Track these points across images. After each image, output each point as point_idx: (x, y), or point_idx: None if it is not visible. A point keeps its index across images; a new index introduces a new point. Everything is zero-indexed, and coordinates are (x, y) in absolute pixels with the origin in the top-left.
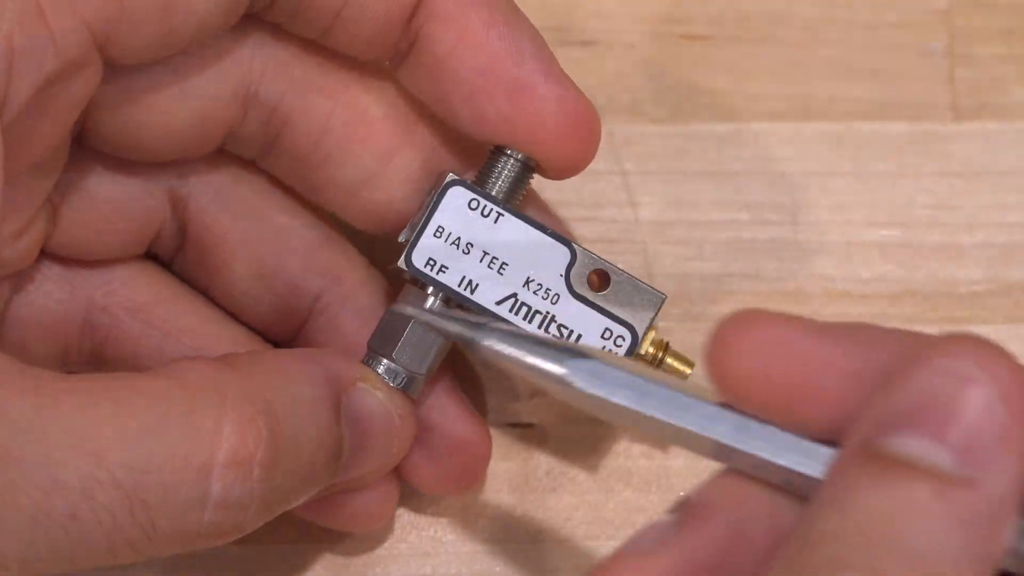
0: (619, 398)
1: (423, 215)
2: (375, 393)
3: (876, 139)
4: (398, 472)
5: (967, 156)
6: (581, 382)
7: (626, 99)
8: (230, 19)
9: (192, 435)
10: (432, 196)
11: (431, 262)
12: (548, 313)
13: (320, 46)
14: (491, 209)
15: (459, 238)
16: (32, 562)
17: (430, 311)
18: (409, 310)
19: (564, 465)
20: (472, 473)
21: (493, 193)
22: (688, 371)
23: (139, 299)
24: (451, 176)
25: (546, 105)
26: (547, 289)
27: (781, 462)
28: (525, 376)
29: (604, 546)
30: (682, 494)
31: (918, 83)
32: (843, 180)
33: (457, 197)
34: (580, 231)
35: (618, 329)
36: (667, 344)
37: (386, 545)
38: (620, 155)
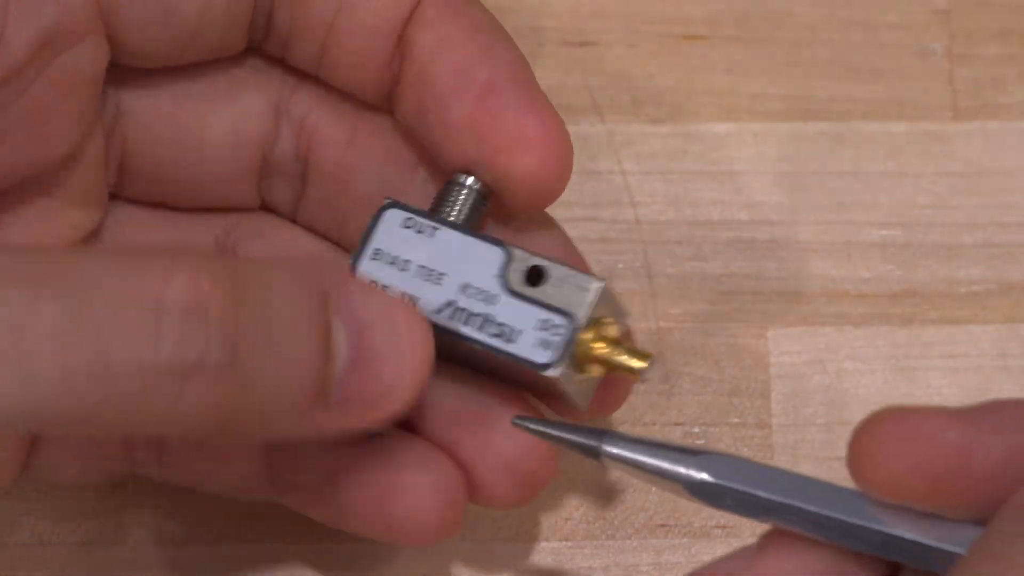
0: (766, 492)
1: (362, 240)
2: (371, 299)
3: (876, 139)
4: (464, 480)
5: (967, 156)
6: (714, 473)
7: (626, 99)
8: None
9: (141, 270)
10: (370, 222)
11: (373, 284)
12: (485, 314)
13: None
14: (425, 225)
15: (396, 257)
16: None
17: (552, 423)
18: (531, 425)
19: (564, 465)
20: (543, 478)
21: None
22: (638, 365)
23: None
24: (387, 200)
25: (512, 108)
26: (483, 291)
27: (929, 543)
28: (649, 480)
29: (604, 545)
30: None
31: (918, 83)
32: (843, 180)
33: (393, 219)
34: (580, 231)
35: (555, 319)
36: (620, 337)
37: (386, 545)
38: (620, 155)
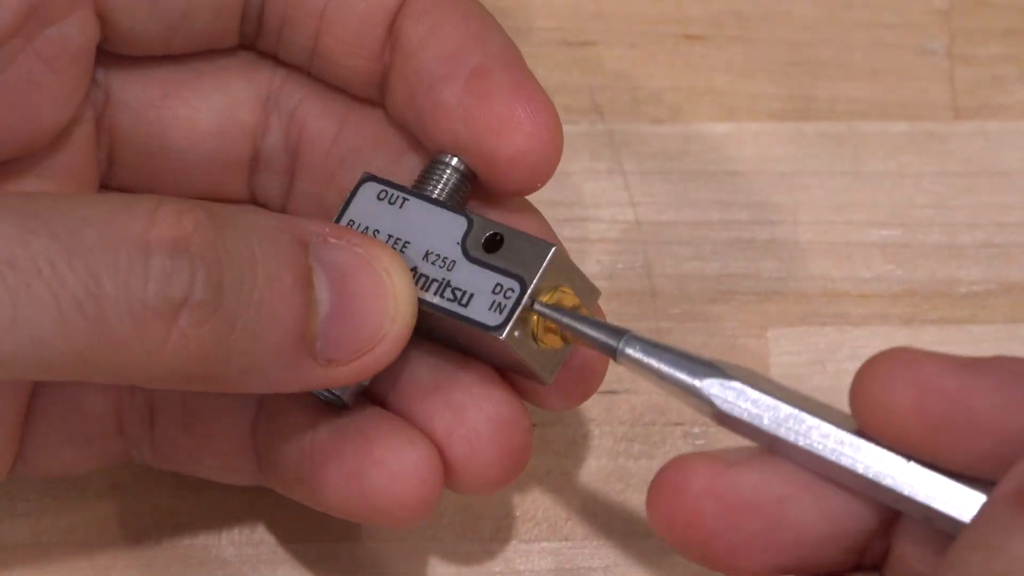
0: (754, 419)
1: (339, 210)
2: (351, 247)
3: (876, 139)
4: (439, 456)
5: (967, 156)
6: (718, 400)
7: (626, 99)
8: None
9: (128, 211)
10: (348, 195)
11: (353, 226)
12: (444, 279)
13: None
14: (397, 196)
15: (367, 227)
16: None
17: (573, 315)
18: (550, 311)
19: (565, 465)
20: (520, 458)
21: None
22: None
23: None
24: (365, 173)
25: (501, 91)
26: (444, 258)
27: (921, 500)
28: (662, 387)
29: (604, 545)
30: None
31: (918, 83)
32: (843, 180)
33: (369, 191)
34: (580, 231)
35: (507, 283)
36: (573, 306)
37: (386, 545)
38: (620, 155)
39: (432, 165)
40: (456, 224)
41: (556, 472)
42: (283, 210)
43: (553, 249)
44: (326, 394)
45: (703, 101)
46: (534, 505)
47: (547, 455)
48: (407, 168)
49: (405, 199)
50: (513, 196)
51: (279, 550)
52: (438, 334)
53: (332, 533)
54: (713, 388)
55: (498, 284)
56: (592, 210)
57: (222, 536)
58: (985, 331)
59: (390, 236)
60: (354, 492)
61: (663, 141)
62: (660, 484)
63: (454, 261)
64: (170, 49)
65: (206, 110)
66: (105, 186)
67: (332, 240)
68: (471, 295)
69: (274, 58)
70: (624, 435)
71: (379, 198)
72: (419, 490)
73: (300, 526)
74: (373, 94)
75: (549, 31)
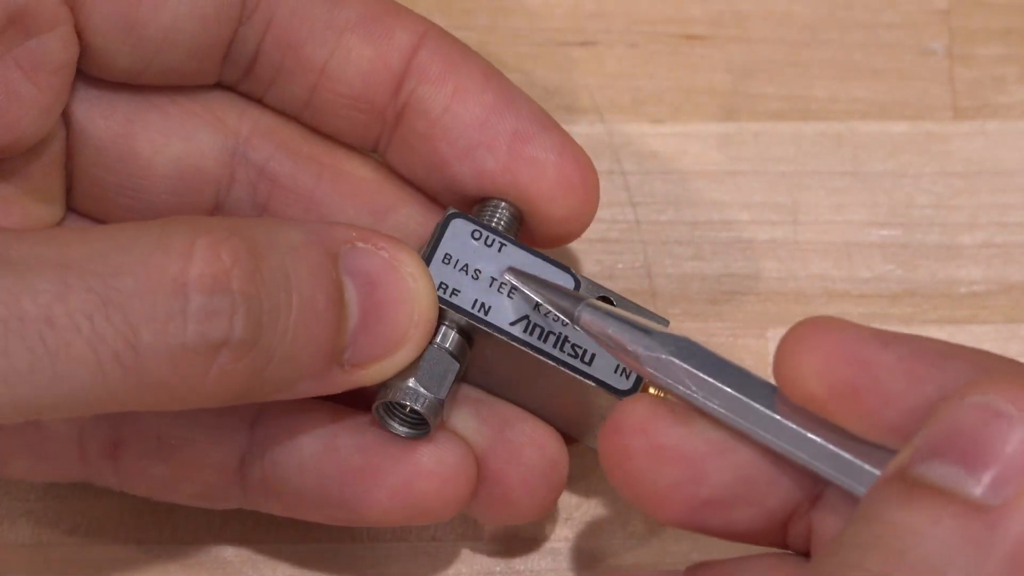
0: (686, 394)
1: (430, 244)
2: (378, 252)
3: (876, 139)
4: (481, 474)
5: (967, 156)
6: (657, 373)
7: (626, 99)
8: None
9: (163, 251)
10: (435, 230)
11: (443, 286)
12: (560, 334)
13: (304, 124)
14: (493, 239)
15: (467, 264)
16: (13, 380)
17: (535, 279)
18: (516, 279)
19: None
20: (558, 487)
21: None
22: None
23: None
24: (452, 209)
25: (549, 156)
26: (556, 313)
27: (826, 470)
28: (613, 355)
29: (604, 545)
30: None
31: (918, 83)
32: (843, 180)
33: (460, 228)
34: None
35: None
36: None
37: (386, 545)
38: (620, 155)
39: (483, 207)
40: (562, 279)
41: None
42: None
43: (667, 325)
44: (413, 416)
45: (703, 101)
46: None
47: None
48: (394, 228)
49: (503, 243)
50: (556, 245)
51: (279, 550)
52: (495, 378)
53: (332, 533)
54: (651, 363)
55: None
56: None
57: (222, 536)
58: (985, 331)
59: (494, 279)
60: (401, 504)
61: (663, 141)
62: (608, 420)
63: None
64: (141, 79)
65: (167, 153)
66: (69, 208)
67: (360, 244)
68: (592, 355)
69: (258, 101)
70: None
71: (474, 237)
72: (464, 488)
73: (300, 526)
74: (368, 145)
75: (549, 31)
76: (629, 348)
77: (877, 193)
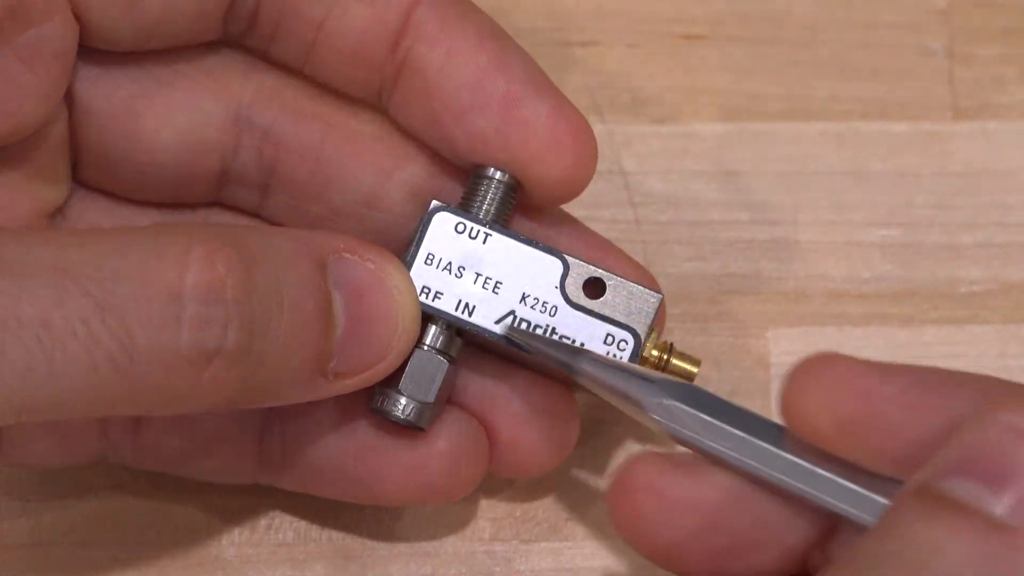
0: (692, 439)
1: (412, 246)
2: (364, 263)
3: (876, 139)
4: (491, 438)
5: (967, 156)
6: (662, 419)
7: (626, 99)
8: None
9: (159, 258)
10: (418, 225)
11: (425, 290)
12: (548, 326)
13: (308, 77)
14: (478, 230)
15: (450, 263)
16: (9, 379)
17: (535, 336)
18: (516, 336)
19: (564, 465)
20: (570, 440)
21: (479, 216)
22: (695, 370)
23: None
24: (435, 203)
25: (540, 117)
26: (544, 303)
27: (833, 505)
28: (618, 404)
29: (604, 545)
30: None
31: (918, 83)
32: (843, 180)
33: (443, 223)
34: None
35: (620, 334)
36: (671, 345)
37: (386, 545)
38: (620, 155)
39: (477, 180)
40: (551, 265)
41: (556, 472)
42: (257, 213)
43: (660, 298)
44: (403, 420)
45: (703, 101)
46: (534, 505)
47: None
48: (401, 185)
49: (488, 234)
50: (552, 207)
51: (279, 550)
52: (494, 352)
53: (332, 533)
54: (656, 410)
55: (609, 335)
56: (592, 210)
57: (222, 536)
58: (985, 331)
59: (479, 275)
60: (415, 483)
61: (663, 141)
62: (615, 481)
63: (556, 307)
64: (146, 47)
65: (172, 126)
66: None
67: (347, 256)
68: (581, 344)
69: (262, 57)
70: (624, 435)
71: (457, 231)
72: (477, 469)
73: (300, 526)
74: (370, 98)
75: (549, 31)
76: (632, 396)
77: (877, 193)
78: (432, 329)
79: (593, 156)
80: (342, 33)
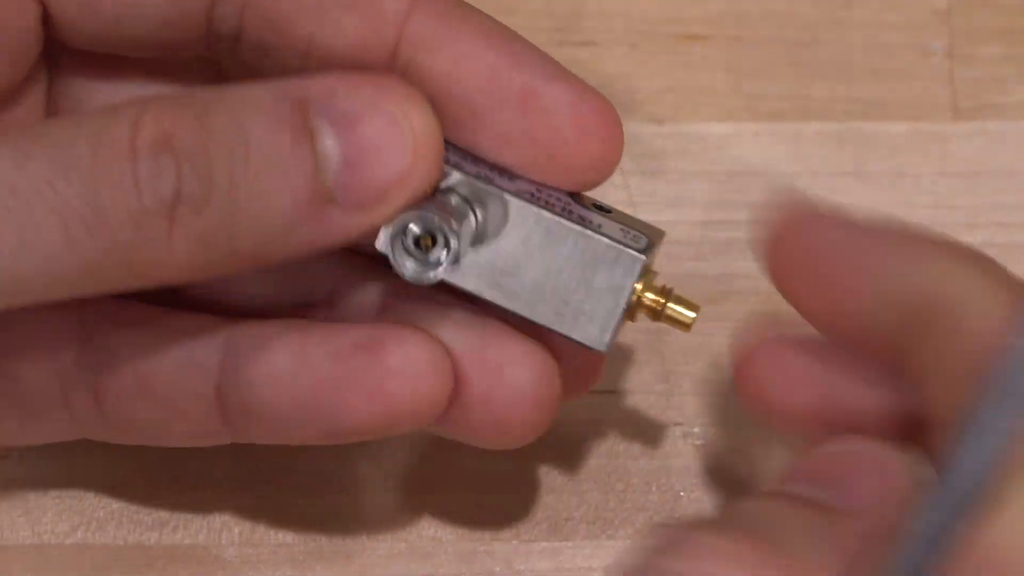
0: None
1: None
2: (359, 92)
3: (876, 139)
4: (462, 392)
5: (967, 156)
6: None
7: (626, 99)
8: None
9: (113, 124)
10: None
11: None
12: (565, 206)
13: None
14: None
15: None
16: None
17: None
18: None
19: (564, 465)
20: (548, 406)
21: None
22: (693, 314)
23: None
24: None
25: (560, 105)
26: (558, 197)
27: None
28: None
29: (604, 545)
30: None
31: (918, 83)
32: (843, 180)
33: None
34: None
35: (632, 232)
36: (671, 290)
37: (386, 545)
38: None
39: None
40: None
41: (556, 472)
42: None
43: (663, 233)
44: (413, 268)
45: (703, 101)
46: (534, 505)
47: (546, 455)
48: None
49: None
50: (589, 182)
51: (279, 550)
52: (492, 266)
53: (332, 533)
54: None
55: (623, 228)
56: None
57: (222, 536)
58: None
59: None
60: (377, 408)
61: (663, 141)
62: (740, 357)
63: (570, 200)
64: (112, 50)
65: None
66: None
67: (337, 89)
68: (599, 224)
69: (259, 71)
70: (624, 435)
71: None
72: (439, 387)
73: (300, 526)
74: None
75: (549, 31)
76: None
77: (877, 193)
78: (450, 178)
79: (620, 135)
80: (333, 51)
